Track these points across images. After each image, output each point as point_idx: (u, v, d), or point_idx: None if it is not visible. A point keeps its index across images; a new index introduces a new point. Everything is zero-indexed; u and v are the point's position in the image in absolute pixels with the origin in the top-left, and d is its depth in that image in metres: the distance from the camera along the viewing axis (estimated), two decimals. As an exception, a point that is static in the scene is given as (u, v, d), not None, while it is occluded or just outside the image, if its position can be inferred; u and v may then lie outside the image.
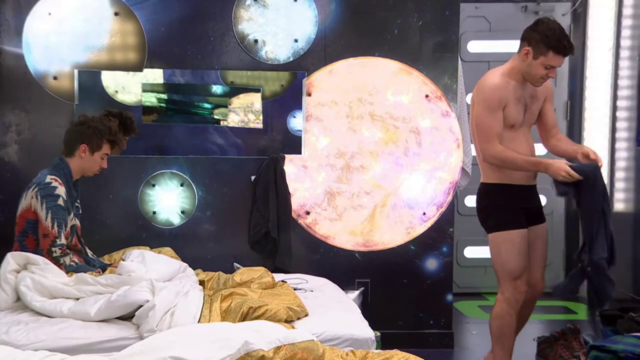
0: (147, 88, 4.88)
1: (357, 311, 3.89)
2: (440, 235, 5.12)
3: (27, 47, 4.80)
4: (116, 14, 4.85)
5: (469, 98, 5.37)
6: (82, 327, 3.51)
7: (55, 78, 4.84)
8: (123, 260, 4.09)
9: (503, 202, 4.12)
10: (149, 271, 3.87)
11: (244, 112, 4.95)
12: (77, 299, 3.72)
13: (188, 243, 4.94)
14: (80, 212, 4.29)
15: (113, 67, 4.86)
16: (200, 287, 3.98)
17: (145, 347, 2.57)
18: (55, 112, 4.86)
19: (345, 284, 4.61)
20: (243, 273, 4.06)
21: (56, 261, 3.91)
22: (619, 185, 6.37)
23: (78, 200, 4.30)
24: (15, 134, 4.87)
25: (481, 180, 4.23)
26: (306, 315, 3.67)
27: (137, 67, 4.87)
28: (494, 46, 6.24)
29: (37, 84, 4.83)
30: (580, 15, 6.40)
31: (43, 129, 4.87)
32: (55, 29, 4.81)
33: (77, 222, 4.21)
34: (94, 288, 3.74)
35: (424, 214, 5.09)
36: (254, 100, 4.95)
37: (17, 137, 4.88)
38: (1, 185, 4.83)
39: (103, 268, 4.13)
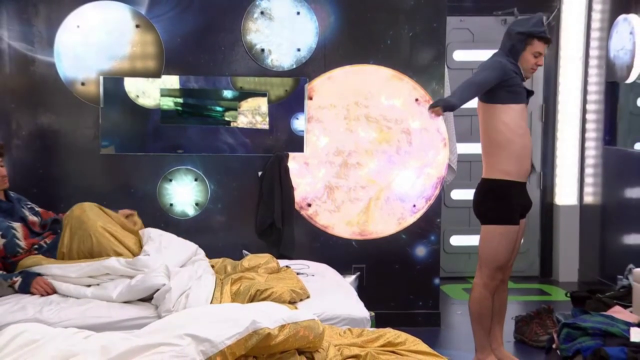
0: (165, 93, 4.87)
1: (354, 293, 3.89)
2: (429, 225, 5.11)
3: (58, 56, 4.79)
4: (137, 26, 4.84)
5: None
6: (106, 307, 3.52)
7: (82, 84, 4.83)
8: (142, 246, 4.02)
9: (505, 198, 4.04)
10: (165, 261, 3.82)
11: (252, 114, 4.94)
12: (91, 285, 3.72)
13: (201, 232, 4.93)
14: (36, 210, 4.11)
15: (134, 74, 4.85)
16: (213, 271, 3.96)
17: (163, 326, 2.56)
18: (83, 114, 4.85)
19: (343, 269, 4.60)
20: (251, 259, 4.05)
21: None
22: (588, 180, 6.36)
23: (26, 205, 4.07)
24: (47, 134, 4.86)
25: (483, 176, 4.13)
26: (308, 297, 3.67)
27: (156, 74, 4.86)
28: (477, 55, 6.20)
29: (66, 90, 4.81)
30: (553, 28, 6.38)
31: (72, 130, 4.86)
32: (83, 40, 4.80)
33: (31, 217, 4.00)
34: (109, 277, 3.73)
35: (414, 206, 5.08)
36: (261, 104, 4.94)
37: (48, 137, 4.86)
38: (35, 181, 4.81)
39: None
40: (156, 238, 4.00)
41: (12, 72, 4.79)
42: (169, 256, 3.84)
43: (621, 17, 5.79)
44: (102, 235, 3.85)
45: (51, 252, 3.89)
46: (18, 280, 3.68)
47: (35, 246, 3.90)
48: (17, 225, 3.89)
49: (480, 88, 3.99)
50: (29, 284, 3.66)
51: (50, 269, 3.72)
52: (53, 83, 4.80)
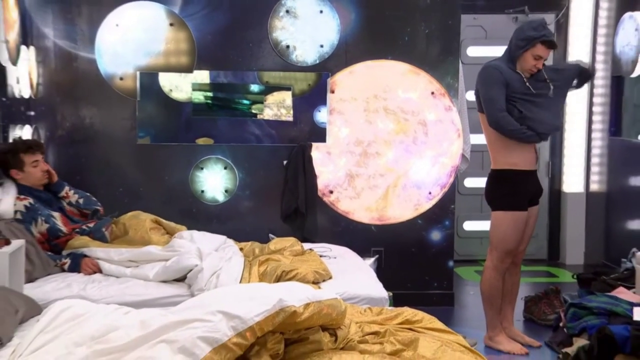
0: (196, 87, 4.92)
1: (373, 275, 3.91)
2: (443, 211, 5.12)
3: (99, 53, 4.84)
4: (171, 24, 4.88)
5: (468, 95, 5.36)
6: (144, 286, 3.59)
7: (121, 79, 4.88)
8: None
9: (512, 186, 4.05)
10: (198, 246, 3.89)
11: (277, 107, 4.97)
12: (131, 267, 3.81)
13: (230, 217, 4.98)
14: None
15: (168, 69, 4.88)
16: (241, 253, 4.01)
17: (196, 303, 2.57)
18: (121, 107, 4.89)
19: (362, 252, 4.61)
20: (277, 242, 4.08)
21: None
22: (594, 169, 6.33)
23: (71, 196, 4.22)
24: (88, 125, 4.93)
25: (492, 167, 4.14)
26: (330, 278, 3.70)
27: (188, 69, 4.90)
28: (490, 51, 6.17)
29: (106, 84, 4.86)
30: (562, 25, 6.35)
31: (111, 121, 4.91)
32: (121, 37, 4.84)
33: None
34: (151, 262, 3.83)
35: (430, 193, 5.10)
36: (286, 97, 4.97)
37: (89, 128, 4.94)
38: (78, 168, 4.88)
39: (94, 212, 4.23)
40: (187, 235, 4.08)
41: (57, 68, 4.86)
42: (200, 244, 3.91)
43: (627, 14, 5.76)
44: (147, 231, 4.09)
45: (94, 233, 4.04)
46: (67, 262, 3.82)
47: (77, 230, 4.03)
48: (56, 214, 4.04)
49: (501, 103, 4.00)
50: (78, 264, 3.81)
51: (96, 252, 3.83)
52: (94, 78, 4.85)
